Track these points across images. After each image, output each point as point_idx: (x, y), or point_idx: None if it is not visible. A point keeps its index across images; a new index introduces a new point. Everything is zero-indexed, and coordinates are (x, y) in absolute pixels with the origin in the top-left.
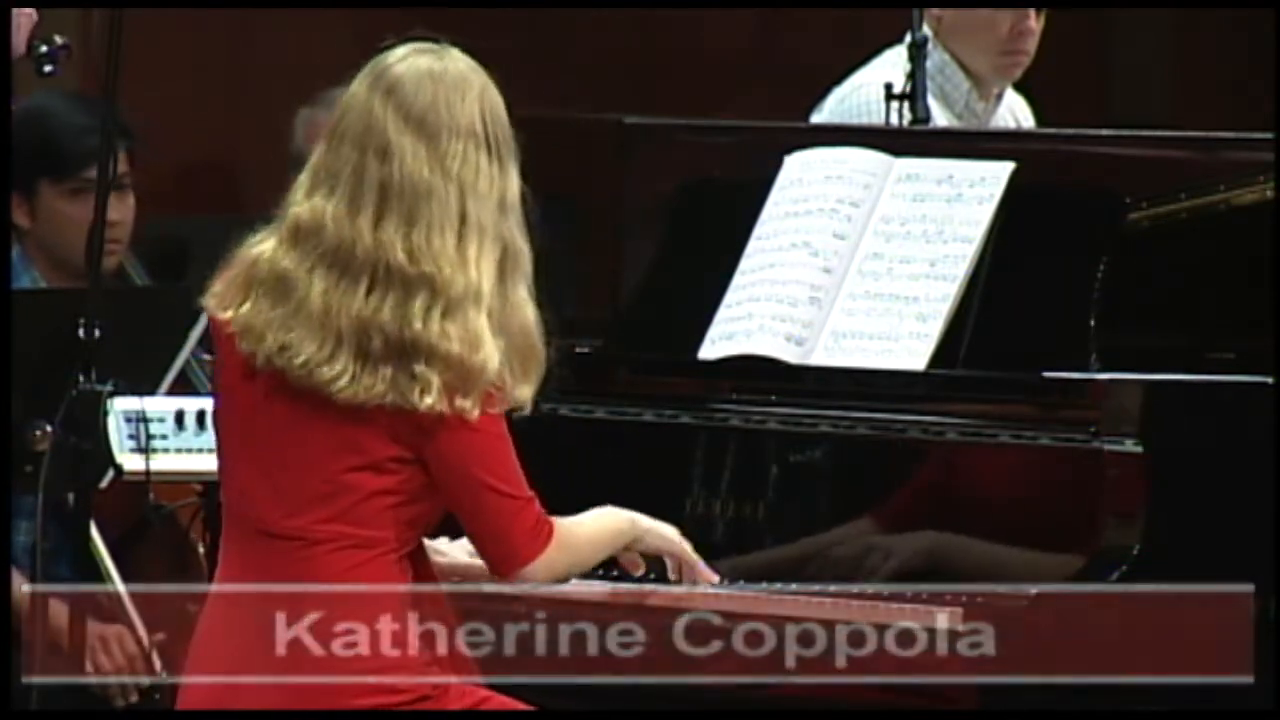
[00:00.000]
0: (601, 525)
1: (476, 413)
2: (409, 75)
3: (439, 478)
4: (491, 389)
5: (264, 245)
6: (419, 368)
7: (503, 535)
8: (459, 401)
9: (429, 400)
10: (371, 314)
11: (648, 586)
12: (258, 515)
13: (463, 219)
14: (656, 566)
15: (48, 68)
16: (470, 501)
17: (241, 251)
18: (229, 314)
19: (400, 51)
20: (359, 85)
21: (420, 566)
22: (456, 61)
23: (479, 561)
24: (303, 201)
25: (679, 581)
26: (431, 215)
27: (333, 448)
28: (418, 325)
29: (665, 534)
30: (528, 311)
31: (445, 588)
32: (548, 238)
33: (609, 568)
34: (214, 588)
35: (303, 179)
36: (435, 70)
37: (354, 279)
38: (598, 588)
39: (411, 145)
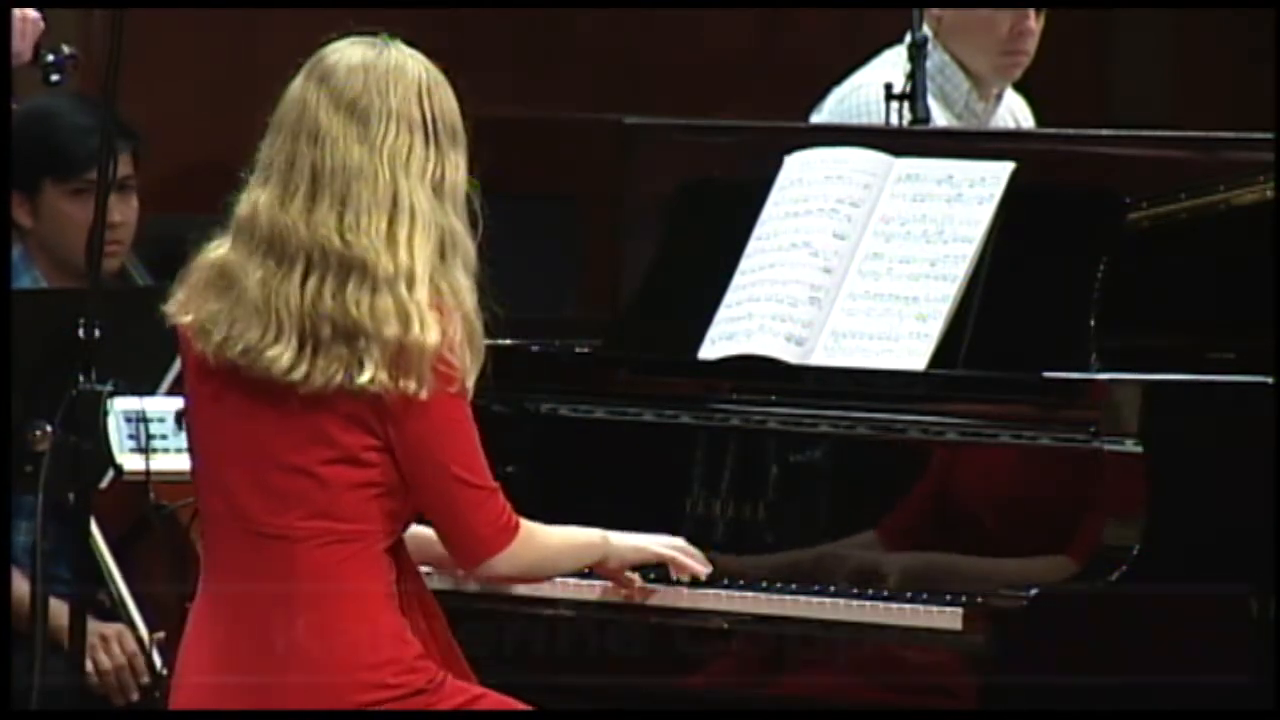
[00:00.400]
0: (571, 534)
1: (425, 392)
2: (342, 63)
3: (404, 465)
4: (441, 367)
5: (218, 248)
6: (360, 346)
7: (467, 525)
8: (403, 382)
9: (364, 377)
10: (312, 301)
11: (650, 585)
12: (239, 515)
13: (394, 201)
14: (656, 568)
15: (55, 77)
16: (433, 488)
17: (198, 257)
18: (188, 318)
19: (338, 43)
20: (296, 79)
21: (402, 560)
22: (393, 52)
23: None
24: (243, 198)
25: (679, 581)
26: (362, 196)
27: (304, 441)
28: (353, 309)
29: (638, 546)
30: (467, 297)
31: (436, 583)
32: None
33: (643, 570)
34: (199, 589)
35: (250, 176)
36: (368, 59)
37: (290, 265)
38: (599, 585)
39: (342, 127)
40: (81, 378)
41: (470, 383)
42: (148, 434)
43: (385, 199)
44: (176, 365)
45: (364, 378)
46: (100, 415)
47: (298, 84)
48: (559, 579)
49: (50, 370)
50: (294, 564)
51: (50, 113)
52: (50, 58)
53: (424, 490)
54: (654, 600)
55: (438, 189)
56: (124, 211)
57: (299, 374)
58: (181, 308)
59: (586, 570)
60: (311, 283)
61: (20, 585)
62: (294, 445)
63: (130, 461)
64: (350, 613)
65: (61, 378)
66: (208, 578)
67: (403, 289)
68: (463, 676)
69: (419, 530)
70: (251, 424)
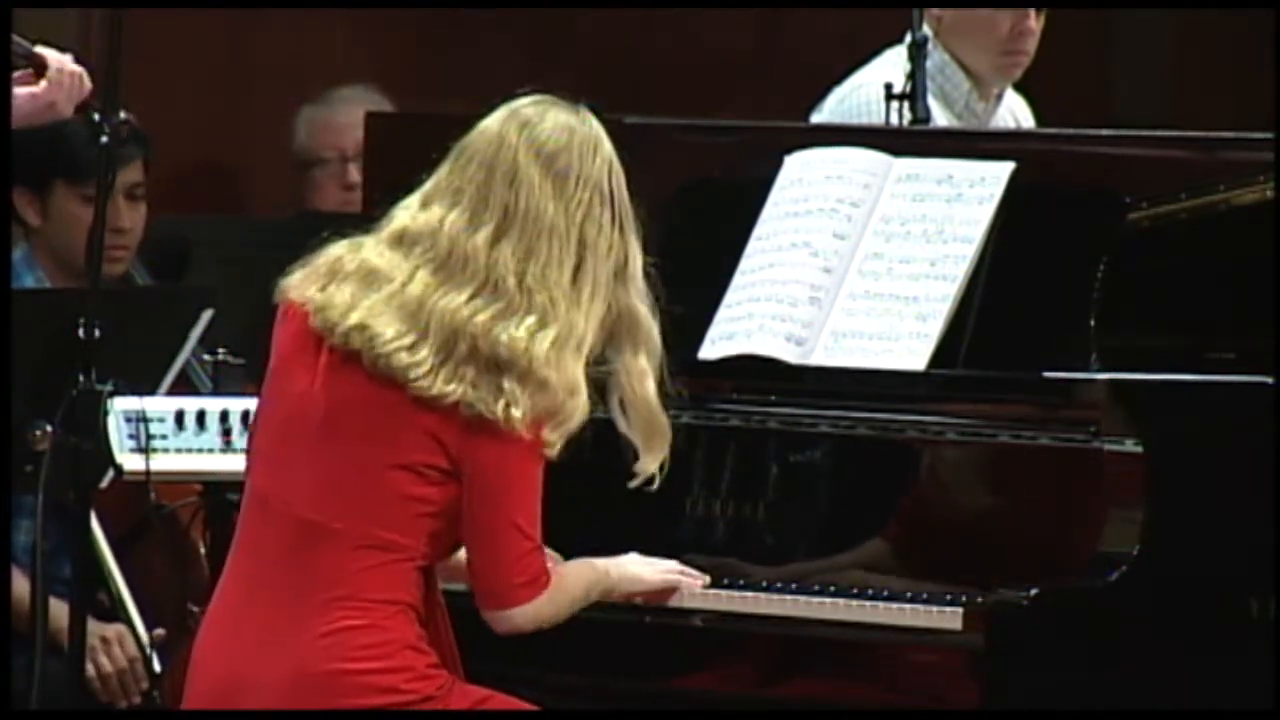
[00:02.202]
0: (582, 580)
1: (534, 443)
2: (547, 118)
3: (467, 491)
4: (567, 434)
5: (352, 247)
6: (508, 383)
7: (503, 570)
8: (545, 432)
9: (516, 413)
10: (468, 317)
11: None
12: (285, 497)
13: (578, 266)
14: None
15: (104, 139)
16: (484, 524)
17: (323, 251)
18: (305, 294)
19: (539, 98)
20: (492, 117)
21: (431, 582)
22: (594, 122)
23: None
24: (416, 214)
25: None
26: (550, 251)
27: (377, 440)
28: (520, 345)
29: (640, 578)
30: (649, 383)
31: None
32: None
33: None
34: (226, 567)
35: (415, 197)
36: (572, 123)
37: (459, 285)
38: None
39: (540, 178)
40: (81, 378)
41: (651, 466)
42: (148, 434)
43: (569, 261)
44: (177, 365)
45: (499, 407)
46: (100, 415)
47: (496, 122)
48: None
49: (50, 370)
50: (326, 558)
51: None
52: (96, 117)
53: (474, 523)
54: (650, 601)
55: (621, 269)
56: (133, 218)
57: (430, 382)
58: (297, 288)
59: None
60: (476, 303)
61: (20, 585)
62: (367, 442)
63: (130, 461)
64: (371, 617)
65: (61, 378)
66: (235, 559)
67: (572, 349)
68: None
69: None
70: (333, 411)
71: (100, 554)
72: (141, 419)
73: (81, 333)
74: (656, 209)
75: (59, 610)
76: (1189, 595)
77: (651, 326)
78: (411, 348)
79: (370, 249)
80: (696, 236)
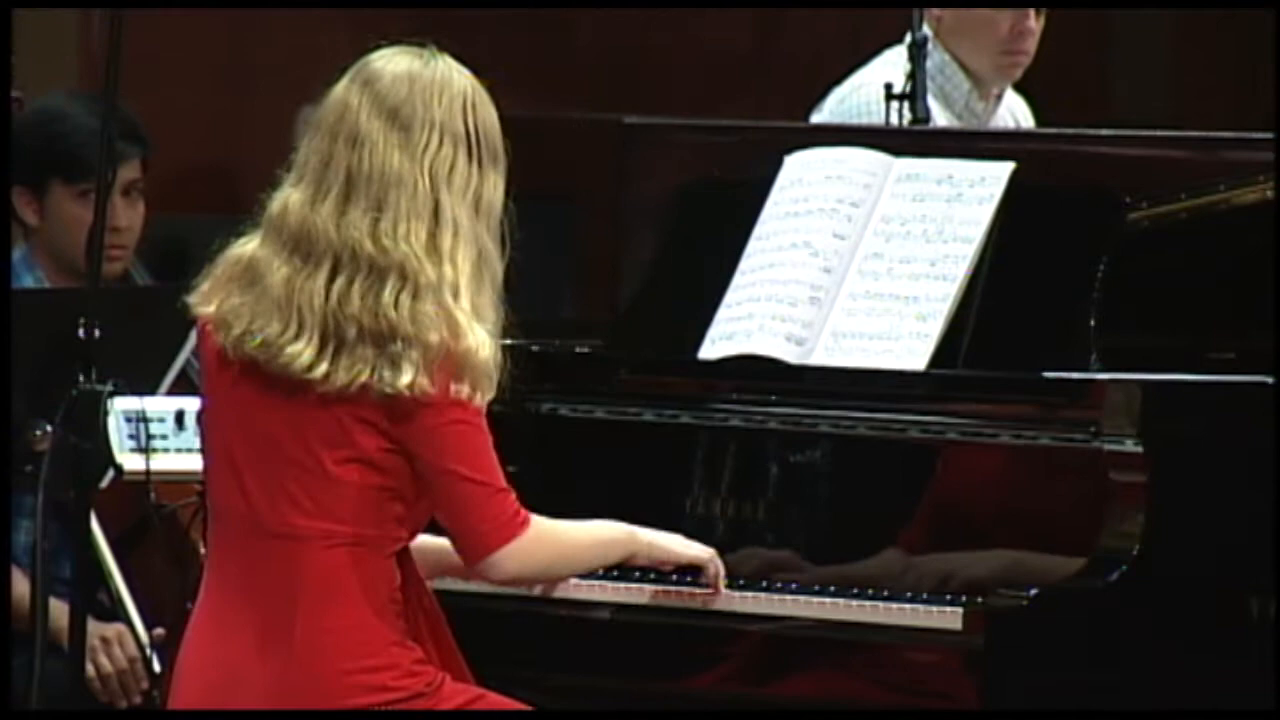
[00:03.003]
0: (594, 531)
1: (461, 399)
2: (388, 70)
3: (416, 461)
4: (479, 380)
5: (247, 244)
6: (394, 349)
7: (472, 521)
8: (454, 386)
9: (405, 379)
10: (339, 300)
11: (669, 588)
12: (247, 512)
13: (436, 212)
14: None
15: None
16: (443, 486)
17: (227, 252)
18: (209, 309)
19: (386, 51)
20: (339, 82)
21: (407, 567)
22: (440, 64)
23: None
24: (275, 195)
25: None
26: (401, 203)
27: (317, 439)
28: (390, 311)
29: (669, 548)
30: (491, 315)
31: (443, 583)
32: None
33: (641, 570)
34: (202, 586)
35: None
36: (415, 69)
37: (316, 265)
38: (598, 585)
39: (383, 133)
40: (81, 378)
41: (483, 397)
42: (148, 434)
43: (426, 209)
44: (177, 365)
45: (403, 380)
46: (100, 415)
47: (341, 86)
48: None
49: (50, 370)
50: (297, 564)
51: (63, 113)
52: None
53: (432, 486)
54: (652, 600)
55: (476, 206)
56: (130, 216)
57: (319, 372)
58: (204, 299)
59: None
60: (339, 283)
61: (20, 585)
62: (306, 443)
63: (130, 461)
64: (351, 616)
65: (61, 378)
66: (210, 574)
67: (448, 297)
68: (462, 680)
69: (434, 541)
70: (265, 419)
71: (100, 554)
72: (141, 419)
73: (81, 333)
74: (656, 209)
75: (59, 610)
76: (1189, 595)
77: (497, 263)
78: (294, 339)
79: (253, 241)
80: (696, 236)
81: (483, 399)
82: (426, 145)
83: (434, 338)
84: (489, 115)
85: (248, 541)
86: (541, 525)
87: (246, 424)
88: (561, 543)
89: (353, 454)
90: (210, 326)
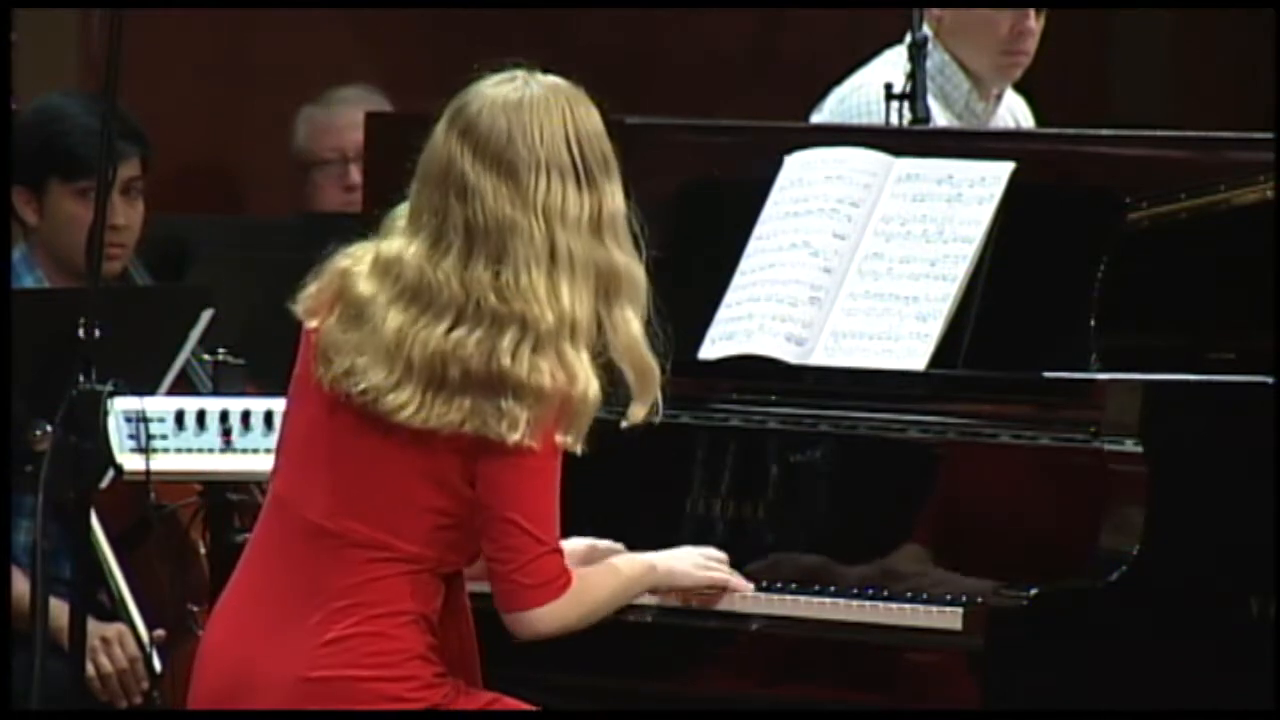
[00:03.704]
0: (619, 576)
1: (559, 442)
2: (484, 112)
3: (479, 496)
4: (583, 429)
5: (357, 262)
6: (506, 403)
7: (518, 574)
8: (558, 437)
9: (515, 435)
10: (452, 347)
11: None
12: (306, 507)
13: (552, 253)
14: None
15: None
16: (500, 532)
17: (336, 260)
18: (315, 324)
19: (479, 85)
20: (439, 125)
21: (455, 587)
22: (535, 88)
23: None
24: (396, 236)
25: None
26: (519, 252)
27: (397, 461)
28: (506, 360)
29: (689, 575)
30: (632, 329)
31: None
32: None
33: None
34: (235, 577)
35: (405, 211)
36: (510, 102)
37: (436, 316)
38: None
39: (492, 184)
40: (81, 378)
41: (641, 412)
42: (148, 434)
43: (543, 252)
44: (177, 365)
45: (514, 436)
46: (100, 415)
47: (440, 133)
48: None
49: (50, 370)
50: (339, 567)
51: (61, 112)
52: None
53: (485, 529)
54: (651, 601)
55: (596, 226)
56: (129, 215)
57: (419, 418)
58: (310, 311)
59: None
60: (458, 332)
61: (20, 585)
62: (387, 463)
63: (130, 461)
64: (377, 624)
65: (61, 378)
66: (246, 564)
67: (564, 342)
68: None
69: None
70: (352, 438)
71: (101, 553)
72: (141, 419)
73: (81, 333)
74: (656, 209)
75: (59, 610)
76: (1189, 595)
77: (632, 272)
78: (396, 388)
79: (362, 272)
80: (696, 236)
81: (575, 443)
82: (535, 187)
83: (548, 385)
84: (591, 128)
85: (296, 535)
86: (579, 588)
87: (332, 437)
88: (594, 599)
89: (426, 474)
90: (313, 351)
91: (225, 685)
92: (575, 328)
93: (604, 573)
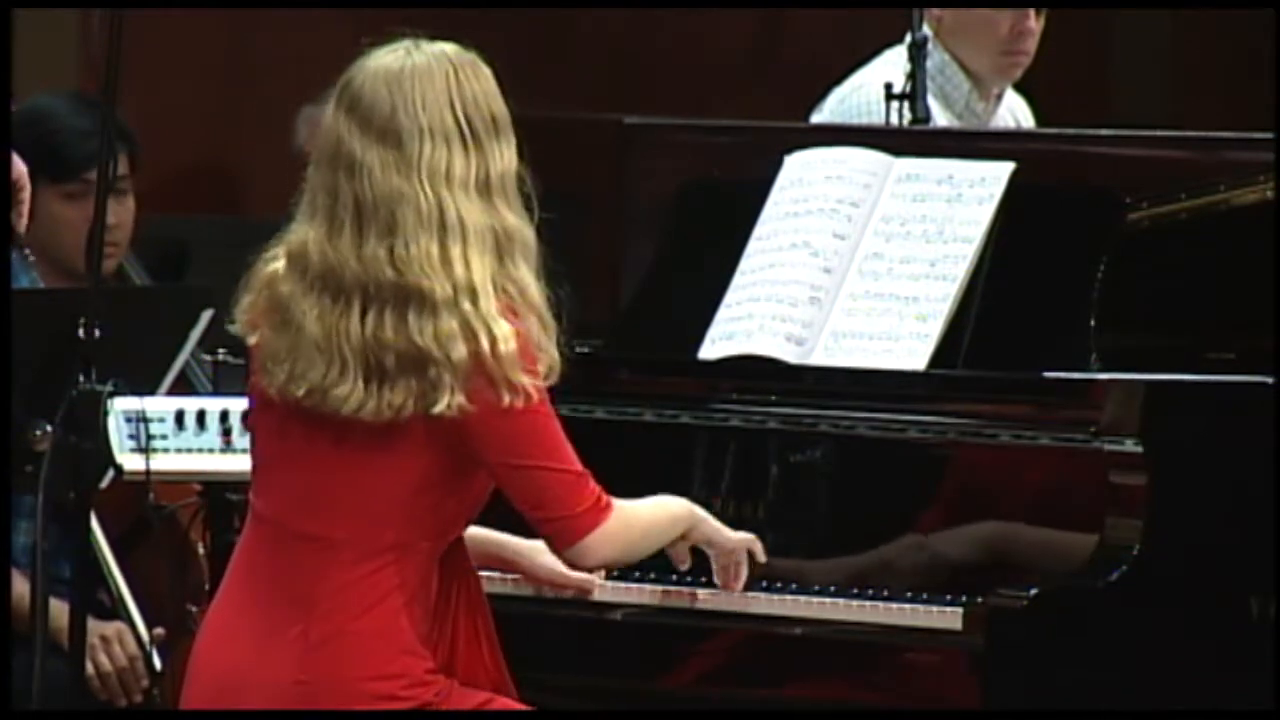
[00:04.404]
0: (664, 507)
1: (517, 400)
2: (368, 86)
3: (495, 471)
4: (524, 371)
5: (275, 264)
6: (432, 374)
7: (559, 508)
8: (489, 395)
9: (441, 405)
10: (374, 334)
11: (676, 588)
12: (282, 515)
13: (442, 219)
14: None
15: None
16: (522, 481)
17: (258, 268)
18: (254, 339)
19: (363, 61)
20: (329, 106)
21: (456, 560)
22: (417, 56)
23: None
24: (297, 225)
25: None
26: (408, 221)
27: (362, 453)
28: (417, 338)
29: (720, 529)
30: (531, 290)
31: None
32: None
33: (642, 570)
34: (223, 586)
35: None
36: (392, 73)
37: (347, 302)
38: (635, 589)
39: (379, 157)
40: (81, 378)
41: (547, 375)
42: (148, 434)
43: (432, 220)
44: (177, 365)
45: (441, 406)
46: (100, 415)
47: (329, 113)
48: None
49: (50, 370)
50: (324, 568)
51: (47, 114)
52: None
53: (513, 489)
54: (653, 601)
55: (484, 187)
56: (119, 213)
57: (368, 410)
58: (248, 326)
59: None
60: (371, 317)
61: (20, 585)
62: (356, 460)
63: (130, 461)
64: (366, 622)
65: (61, 378)
66: (234, 573)
67: (466, 305)
68: (498, 674)
69: (476, 533)
70: (314, 444)
71: (101, 553)
72: (141, 419)
73: (81, 333)
74: (656, 209)
75: (59, 609)
76: (1189, 595)
77: (523, 233)
78: (338, 383)
79: (281, 272)
80: (696, 236)
81: (540, 380)
82: (420, 154)
83: (459, 353)
84: (478, 90)
85: (280, 547)
86: (623, 507)
87: (289, 444)
88: (644, 523)
89: (401, 461)
90: (255, 366)
91: (216, 694)
92: (474, 291)
93: (648, 503)
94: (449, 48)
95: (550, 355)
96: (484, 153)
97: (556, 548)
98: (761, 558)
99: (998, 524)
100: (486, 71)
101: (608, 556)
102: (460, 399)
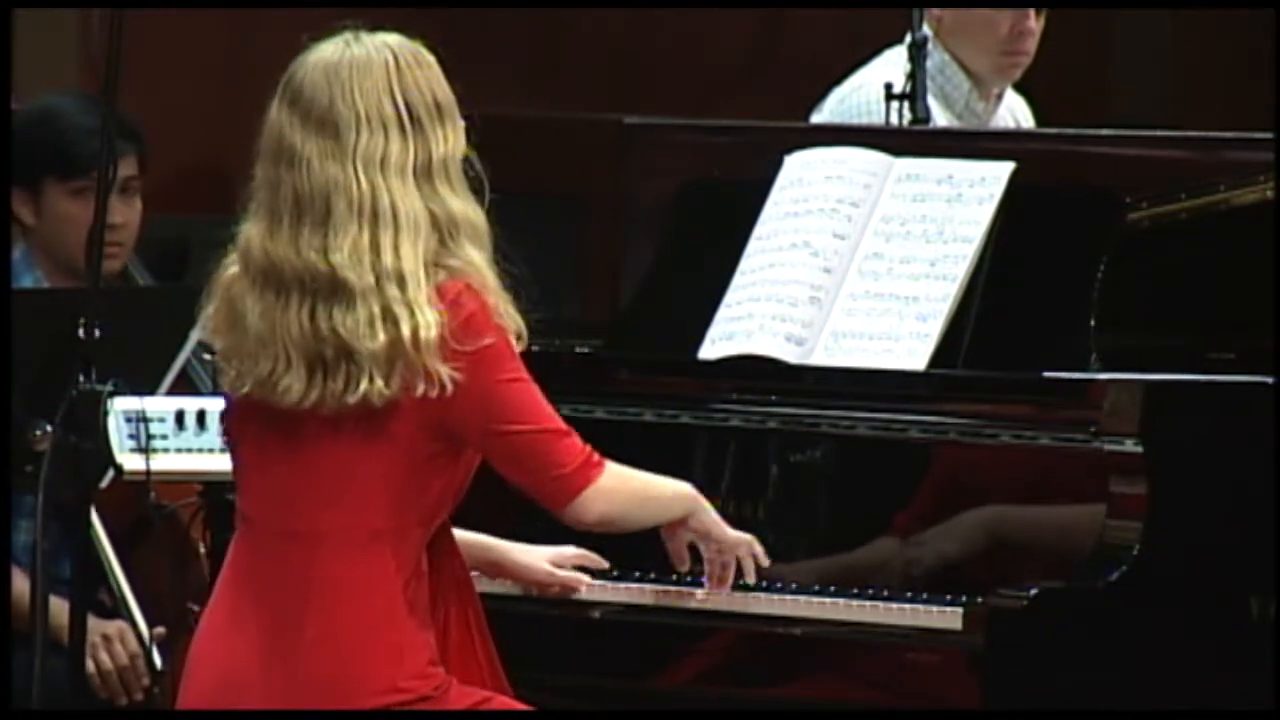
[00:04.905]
0: (663, 481)
1: (423, 388)
2: (307, 79)
3: (476, 445)
4: (468, 343)
5: (232, 268)
6: (354, 363)
7: (549, 468)
8: (414, 380)
9: (358, 393)
10: (310, 327)
11: (669, 587)
12: (267, 515)
13: (375, 207)
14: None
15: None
16: (505, 447)
17: (216, 275)
18: (220, 344)
19: (304, 56)
20: (273, 102)
21: (443, 547)
22: (356, 49)
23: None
24: (244, 222)
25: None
26: (340, 211)
27: (329, 444)
28: (340, 329)
29: (719, 522)
30: (483, 269)
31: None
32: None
33: (641, 570)
34: (216, 588)
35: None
36: (330, 64)
37: (286, 295)
38: (598, 585)
39: (317, 147)
40: (81, 378)
41: (517, 339)
42: (148, 434)
43: (364, 208)
44: (177, 365)
45: (358, 393)
46: (100, 415)
47: (272, 108)
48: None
49: (50, 370)
50: (314, 562)
51: (56, 112)
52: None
53: (499, 458)
54: (652, 601)
55: (425, 172)
56: (125, 213)
57: (310, 400)
58: (215, 332)
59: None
60: (305, 310)
61: (20, 585)
62: (319, 454)
63: (130, 461)
64: (363, 615)
65: (61, 378)
66: (227, 574)
67: (392, 291)
68: (490, 664)
69: (459, 536)
70: (279, 443)
71: (103, 551)
72: (141, 419)
73: (81, 333)
74: (656, 209)
75: (59, 608)
76: (1189, 595)
77: (469, 215)
78: (284, 375)
79: (232, 273)
80: (696, 236)
81: (519, 338)
82: (355, 142)
83: (377, 342)
84: (418, 77)
85: (269, 542)
86: (617, 466)
87: (260, 445)
88: (641, 483)
89: (380, 456)
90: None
91: (215, 694)
92: (402, 278)
93: (647, 474)
94: (390, 37)
95: (515, 321)
96: (425, 137)
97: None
98: (765, 561)
99: (997, 522)
100: (430, 58)
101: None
102: (380, 384)
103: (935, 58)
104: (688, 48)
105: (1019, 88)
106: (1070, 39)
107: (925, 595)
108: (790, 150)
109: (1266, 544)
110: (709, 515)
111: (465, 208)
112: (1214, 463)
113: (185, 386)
